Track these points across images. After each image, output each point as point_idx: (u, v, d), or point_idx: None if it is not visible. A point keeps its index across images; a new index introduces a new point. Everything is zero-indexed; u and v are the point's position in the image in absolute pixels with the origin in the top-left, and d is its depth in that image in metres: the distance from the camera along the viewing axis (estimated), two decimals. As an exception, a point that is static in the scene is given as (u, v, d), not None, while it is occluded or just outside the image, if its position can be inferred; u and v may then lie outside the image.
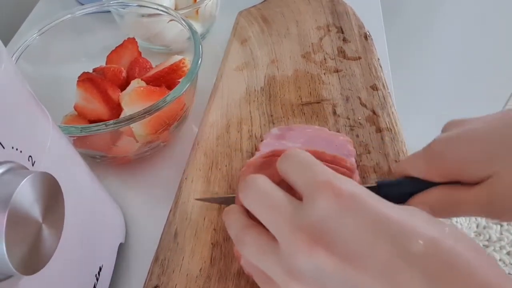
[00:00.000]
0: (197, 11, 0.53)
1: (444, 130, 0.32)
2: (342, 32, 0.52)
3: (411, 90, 1.13)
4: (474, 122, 0.30)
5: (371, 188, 0.30)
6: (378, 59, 0.48)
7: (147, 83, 0.43)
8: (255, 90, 0.46)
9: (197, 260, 0.34)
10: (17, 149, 0.21)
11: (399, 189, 0.31)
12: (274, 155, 0.34)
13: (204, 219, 0.36)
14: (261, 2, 0.58)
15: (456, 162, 0.29)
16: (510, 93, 1.12)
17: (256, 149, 0.40)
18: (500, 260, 1.20)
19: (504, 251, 1.22)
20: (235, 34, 0.53)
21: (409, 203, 0.30)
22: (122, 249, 0.37)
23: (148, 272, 0.34)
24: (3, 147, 0.20)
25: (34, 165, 0.23)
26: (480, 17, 0.97)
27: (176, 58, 0.44)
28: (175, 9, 0.53)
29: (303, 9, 0.56)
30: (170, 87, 0.43)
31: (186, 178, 0.39)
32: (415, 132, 1.22)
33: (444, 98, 1.16)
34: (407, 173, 0.31)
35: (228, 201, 0.34)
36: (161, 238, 0.35)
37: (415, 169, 0.31)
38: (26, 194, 0.20)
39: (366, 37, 0.51)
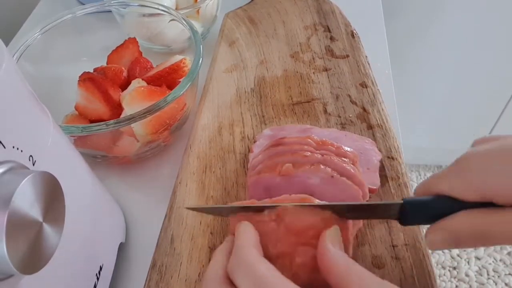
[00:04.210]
0: (198, 11, 0.53)
1: (474, 145, 0.29)
2: (329, 31, 0.52)
3: (411, 90, 1.13)
4: (509, 139, 0.27)
5: (396, 205, 0.28)
6: (366, 56, 0.48)
7: (148, 83, 0.43)
8: (245, 92, 0.46)
9: (195, 264, 0.33)
10: (17, 149, 0.21)
11: (426, 209, 0.28)
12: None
13: (200, 223, 0.36)
14: (247, 3, 0.58)
15: (493, 179, 0.25)
16: (510, 93, 1.12)
17: (250, 150, 0.40)
18: (500, 260, 1.20)
19: (505, 252, 1.21)
20: (223, 36, 0.53)
21: (434, 229, 0.27)
22: (122, 249, 0.37)
23: (146, 279, 0.33)
24: (4, 147, 0.20)
25: (35, 164, 0.23)
26: (480, 17, 0.97)
27: (177, 58, 0.44)
28: (176, 9, 0.53)
29: (290, 9, 0.56)
30: (170, 87, 0.43)
31: (180, 182, 0.39)
32: (414, 131, 1.22)
33: (444, 98, 1.16)
34: (439, 190, 0.27)
35: (221, 211, 0.31)
36: (157, 244, 0.35)
37: (447, 186, 0.27)
38: (26, 194, 0.20)
39: (353, 35, 0.51)
